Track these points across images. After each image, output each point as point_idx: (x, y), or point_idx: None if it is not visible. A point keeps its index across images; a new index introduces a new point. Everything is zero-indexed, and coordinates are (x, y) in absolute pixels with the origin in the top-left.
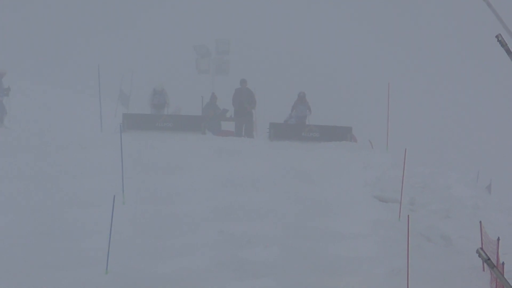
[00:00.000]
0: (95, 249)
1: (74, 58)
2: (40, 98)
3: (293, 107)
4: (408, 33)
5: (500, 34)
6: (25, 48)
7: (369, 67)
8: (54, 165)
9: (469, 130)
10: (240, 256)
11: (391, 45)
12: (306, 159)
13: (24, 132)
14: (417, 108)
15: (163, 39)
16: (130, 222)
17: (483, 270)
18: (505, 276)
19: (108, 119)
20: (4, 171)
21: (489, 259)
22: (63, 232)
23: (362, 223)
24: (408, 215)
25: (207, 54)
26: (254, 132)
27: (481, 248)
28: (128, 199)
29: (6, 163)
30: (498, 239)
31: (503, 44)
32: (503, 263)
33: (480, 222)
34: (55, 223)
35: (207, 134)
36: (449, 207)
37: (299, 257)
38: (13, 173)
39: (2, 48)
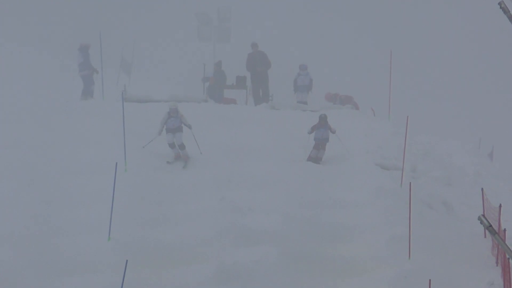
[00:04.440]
0: (97, 216)
1: (73, 24)
2: (37, 65)
3: (313, 127)
4: (411, 1)
5: (502, 1)
6: (22, 12)
7: (371, 34)
8: (55, 132)
9: (471, 97)
10: (241, 224)
11: (393, 13)
12: (309, 128)
13: (24, 100)
14: (419, 75)
15: (164, 6)
16: (132, 190)
17: (485, 236)
18: (506, 243)
19: (109, 87)
20: (6, 140)
21: (490, 225)
22: (65, 199)
23: (364, 191)
24: (410, 183)
25: (209, 22)
26: (270, 96)
27: (483, 215)
28: (130, 167)
29: (8, 131)
30: (500, 206)
31: (505, 11)
32: (504, 230)
33: (482, 189)
34: (57, 191)
35: (209, 102)
36: (450, 175)
37: (300, 224)
38: (14, 141)
39: None
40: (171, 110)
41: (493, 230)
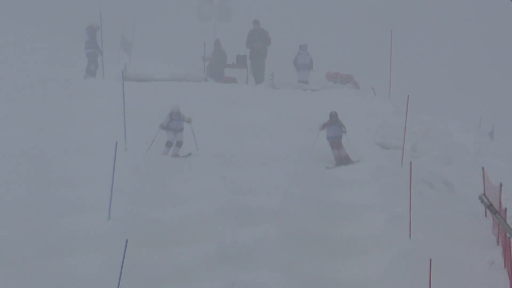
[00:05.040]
0: (97, 195)
1: (75, 4)
2: (39, 44)
3: (324, 124)
4: None
5: None
6: None
7: (371, 13)
8: (55, 111)
9: (472, 76)
10: (241, 203)
11: None
12: (309, 107)
13: (25, 79)
14: (420, 54)
15: None
16: (132, 169)
17: (485, 216)
18: (507, 222)
19: (110, 66)
20: (5, 118)
21: (491, 205)
22: (65, 178)
23: (365, 170)
24: (411, 162)
25: (209, 0)
26: (271, 75)
27: (484, 194)
28: (130, 146)
29: (8, 110)
30: (501, 185)
31: None
32: (505, 209)
33: (483, 168)
34: (56, 169)
35: (210, 81)
36: (451, 154)
37: (300, 204)
38: (13, 120)
39: None
40: (173, 112)
41: (494, 209)
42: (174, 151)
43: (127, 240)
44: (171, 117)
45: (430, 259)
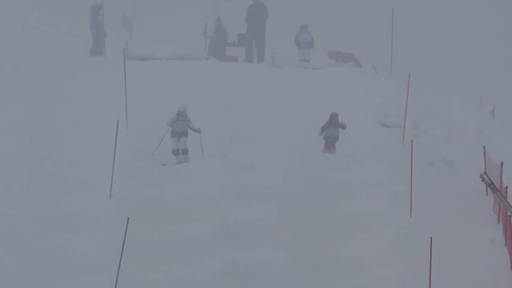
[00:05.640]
0: (99, 173)
1: None
2: (41, 23)
3: (323, 127)
4: None
5: None
6: None
7: None
8: (57, 90)
9: (473, 54)
10: (243, 182)
11: None
12: (311, 85)
13: (27, 58)
14: (421, 33)
15: None
16: (134, 148)
17: (486, 194)
18: (508, 200)
19: (111, 44)
20: (8, 97)
21: (492, 183)
22: (66, 157)
23: (366, 149)
24: (412, 140)
25: None
26: (272, 54)
27: (485, 173)
28: (132, 125)
29: (10, 88)
30: (502, 163)
31: None
32: (506, 187)
33: (484, 146)
34: (58, 148)
35: (211, 60)
36: (452, 132)
37: (301, 182)
38: (16, 98)
39: None
40: (180, 112)
41: (494, 188)
42: (182, 159)
43: (128, 218)
44: (178, 117)
45: (431, 237)
